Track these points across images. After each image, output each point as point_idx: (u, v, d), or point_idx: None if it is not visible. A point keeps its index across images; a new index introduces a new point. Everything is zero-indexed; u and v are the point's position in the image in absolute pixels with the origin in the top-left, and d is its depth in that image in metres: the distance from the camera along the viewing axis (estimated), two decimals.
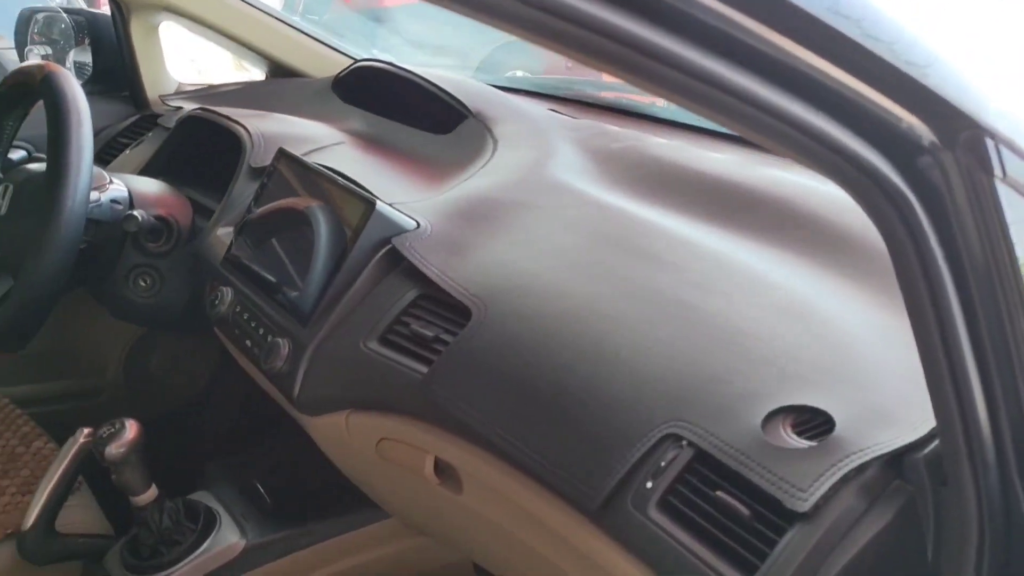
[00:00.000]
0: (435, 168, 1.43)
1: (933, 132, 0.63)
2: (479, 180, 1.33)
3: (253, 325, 1.25)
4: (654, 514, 0.81)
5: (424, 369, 1.03)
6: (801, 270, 1.06)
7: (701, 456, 0.82)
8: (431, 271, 1.10)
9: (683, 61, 0.56)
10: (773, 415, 0.82)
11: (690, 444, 0.83)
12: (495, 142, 1.46)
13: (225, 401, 1.94)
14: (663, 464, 0.83)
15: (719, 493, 0.79)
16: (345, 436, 1.13)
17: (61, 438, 1.29)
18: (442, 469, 1.05)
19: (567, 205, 1.23)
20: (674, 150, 1.43)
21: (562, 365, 0.94)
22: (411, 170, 1.44)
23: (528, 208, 1.22)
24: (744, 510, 0.77)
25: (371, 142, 1.59)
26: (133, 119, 1.88)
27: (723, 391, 0.86)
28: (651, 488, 0.82)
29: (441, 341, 1.05)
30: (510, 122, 1.54)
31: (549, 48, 0.60)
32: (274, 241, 1.30)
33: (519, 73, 2.76)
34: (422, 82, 1.66)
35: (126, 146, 1.79)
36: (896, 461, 0.76)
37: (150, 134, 1.77)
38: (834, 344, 0.91)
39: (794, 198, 1.21)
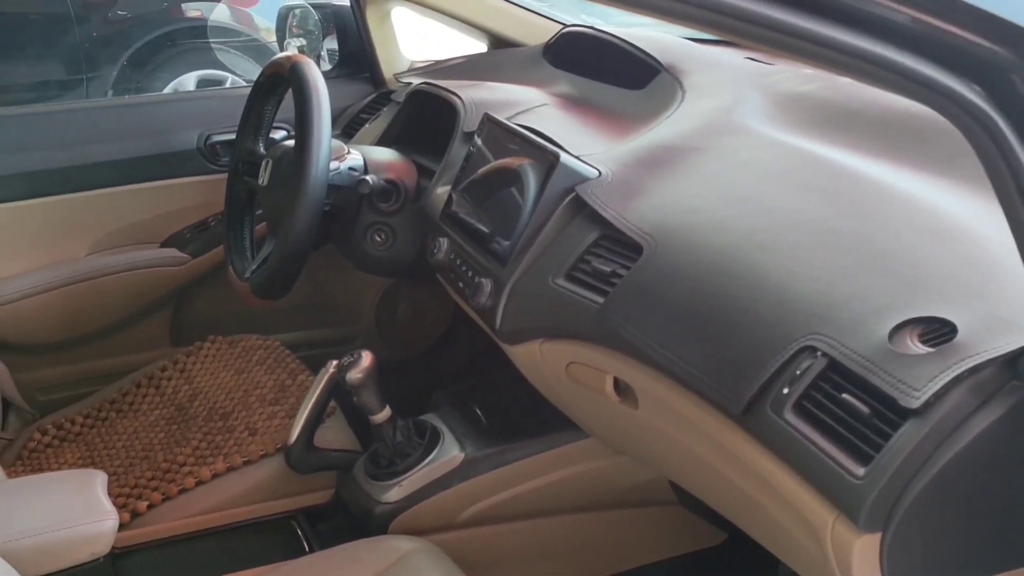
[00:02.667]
0: (626, 121, 1.55)
1: (1012, 54, 0.69)
2: (662, 130, 1.44)
3: (463, 269, 1.43)
4: (789, 416, 0.91)
5: (601, 300, 1.17)
6: (962, 195, 1.10)
7: (833, 365, 0.90)
8: (609, 213, 1.23)
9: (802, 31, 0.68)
10: (902, 326, 0.89)
11: (824, 354, 0.91)
12: (683, 93, 1.56)
13: (459, 344, 2.17)
14: (799, 372, 0.92)
15: (845, 395, 0.87)
16: (540, 362, 1.29)
17: None
18: (621, 388, 1.19)
19: (742, 147, 1.32)
20: (860, 87, 1.46)
21: (718, 290, 1.05)
22: (604, 125, 1.57)
23: (703, 152, 1.32)
24: (864, 408, 0.85)
25: (573, 102, 1.73)
26: (371, 97, 2.13)
27: (859, 307, 0.93)
28: (787, 394, 0.92)
29: (617, 275, 1.18)
30: (701, 73, 1.62)
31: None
32: (488, 197, 1.47)
33: None
34: (619, 42, 1.78)
35: (366, 121, 2.04)
36: (1012, 363, 0.81)
37: (385, 109, 2.00)
38: (975, 262, 0.95)
39: None
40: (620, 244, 1.21)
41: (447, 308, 2.20)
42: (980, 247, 0.98)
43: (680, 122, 1.45)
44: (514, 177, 1.41)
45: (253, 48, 4.83)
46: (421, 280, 1.69)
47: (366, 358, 1.41)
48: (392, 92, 2.04)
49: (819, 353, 0.92)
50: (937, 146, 1.23)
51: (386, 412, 1.44)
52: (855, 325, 0.91)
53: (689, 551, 1.62)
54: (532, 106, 1.67)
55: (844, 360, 0.89)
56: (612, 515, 1.55)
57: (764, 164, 1.26)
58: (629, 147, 1.40)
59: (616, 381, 1.19)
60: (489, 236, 1.42)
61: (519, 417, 1.52)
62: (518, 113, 1.62)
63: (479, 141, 1.53)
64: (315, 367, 1.73)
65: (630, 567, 1.59)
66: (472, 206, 1.50)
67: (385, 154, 1.71)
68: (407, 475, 1.44)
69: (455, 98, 1.72)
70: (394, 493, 1.43)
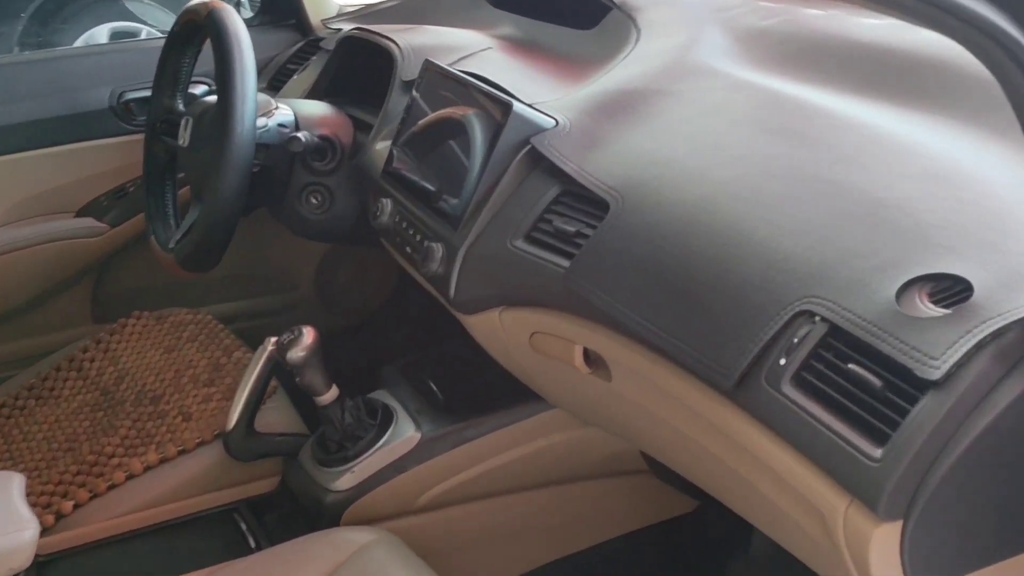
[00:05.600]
0: (578, 64, 1.43)
1: None
2: (620, 72, 1.33)
3: (411, 232, 1.31)
4: (788, 390, 0.81)
5: (566, 263, 1.06)
6: (954, 133, 1.01)
7: (834, 331, 0.81)
8: (569, 167, 1.12)
9: None
10: (909, 285, 0.80)
11: (823, 319, 0.82)
12: (638, 32, 1.45)
13: (406, 309, 2.06)
14: (796, 340, 0.83)
15: (851, 366, 0.78)
16: (500, 332, 1.19)
17: None
18: (592, 359, 1.09)
19: (709, 88, 1.21)
20: (827, 20, 1.37)
21: (694, 250, 0.95)
22: (554, 69, 1.45)
23: (668, 95, 1.21)
24: (876, 380, 0.76)
25: (518, 45, 1.61)
26: (299, 45, 1.97)
27: (858, 264, 0.84)
28: (784, 365, 0.82)
29: (582, 235, 1.07)
30: (655, 9, 1.51)
31: None
32: (432, 151, 1.35)
33: None
34: None
35: (293, 72, 1.89)
36: None
37: (314, 58, 1.85)
38: (980, 208, 0.86)
39: (953, 59, 1.13)
40: (584, 200, 1.10)
41: (391, 272, 2.07)
42: (984, 192, 0.89)
43: (637, 63, 1.34)
44: (459, 128, 1.29)
45: None
46: (364, 244, 1.57)
47: (308, 334, 1.28)
48: (321, 39, 1.90)
49: (817, 318, 0.82)
50: (921, 81, 1.13)
51: (333, 392, 1.32)
52: (856, 285, 0.82)
53: (660, 520, 1.55)
54: (475, 50, 1.55)
55: (847, 325, 0.80)
56: (579, 488, 1.46)
57: (734, 107, 1.15)
58: (586, 93, 1.28)
59: (586, 352, 1.09)
60: (435, 194, 1.30)
61: (477, 390, 1.41)
62: (461, 59, 1.50)
63: (420, 91, 1.40)
64: (252, 342, 1.61)
65: (599, 540, 1.51)
66: (415, 162, 1.38)
67: (317, 108, 1.58)
68: (359, 460, 1.33)
69: (391, 44, 1.59)
70: (346, 480, 1.32)
